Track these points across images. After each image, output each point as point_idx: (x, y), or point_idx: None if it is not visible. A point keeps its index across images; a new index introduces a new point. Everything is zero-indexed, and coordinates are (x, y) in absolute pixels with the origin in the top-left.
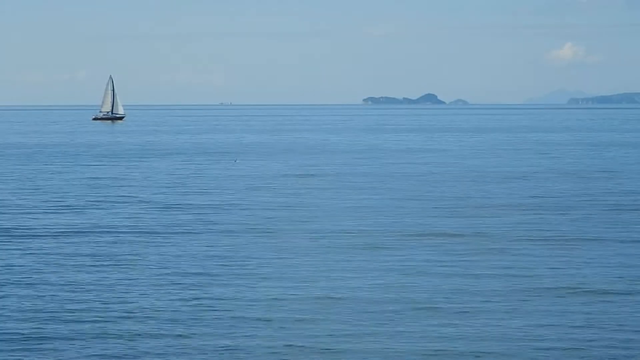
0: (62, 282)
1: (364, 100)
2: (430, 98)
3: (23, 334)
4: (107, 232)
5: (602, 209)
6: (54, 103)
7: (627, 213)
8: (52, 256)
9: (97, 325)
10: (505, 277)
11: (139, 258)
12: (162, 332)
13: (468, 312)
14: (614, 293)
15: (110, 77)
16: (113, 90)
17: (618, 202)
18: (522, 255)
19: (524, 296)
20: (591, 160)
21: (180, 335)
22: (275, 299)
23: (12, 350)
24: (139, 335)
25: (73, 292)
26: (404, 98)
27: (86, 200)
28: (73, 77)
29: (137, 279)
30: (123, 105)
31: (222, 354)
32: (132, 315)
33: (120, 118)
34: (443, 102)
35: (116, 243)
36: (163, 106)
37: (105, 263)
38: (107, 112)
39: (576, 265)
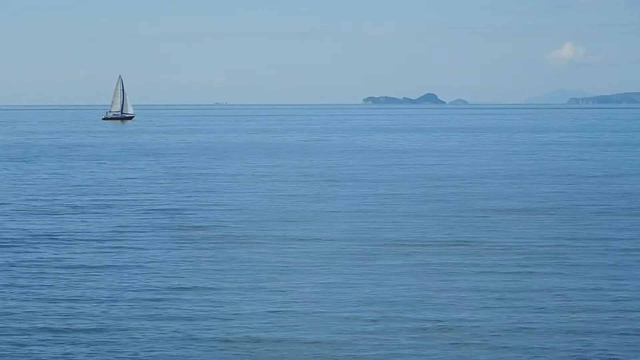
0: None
1: (364, 100)
2: (430, 98)
3: None
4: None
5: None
6: (54, 103)
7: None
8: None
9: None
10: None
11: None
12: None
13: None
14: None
15: (120, 77)
16: (122, 90)
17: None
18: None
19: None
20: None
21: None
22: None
23: None
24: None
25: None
26: (404, 98)
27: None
28: (73, 77)
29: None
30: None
31: None
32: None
33: (130, 118)
34: (443, 102)
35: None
36: (162, 106)
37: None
38: (117, 112)
39: None
